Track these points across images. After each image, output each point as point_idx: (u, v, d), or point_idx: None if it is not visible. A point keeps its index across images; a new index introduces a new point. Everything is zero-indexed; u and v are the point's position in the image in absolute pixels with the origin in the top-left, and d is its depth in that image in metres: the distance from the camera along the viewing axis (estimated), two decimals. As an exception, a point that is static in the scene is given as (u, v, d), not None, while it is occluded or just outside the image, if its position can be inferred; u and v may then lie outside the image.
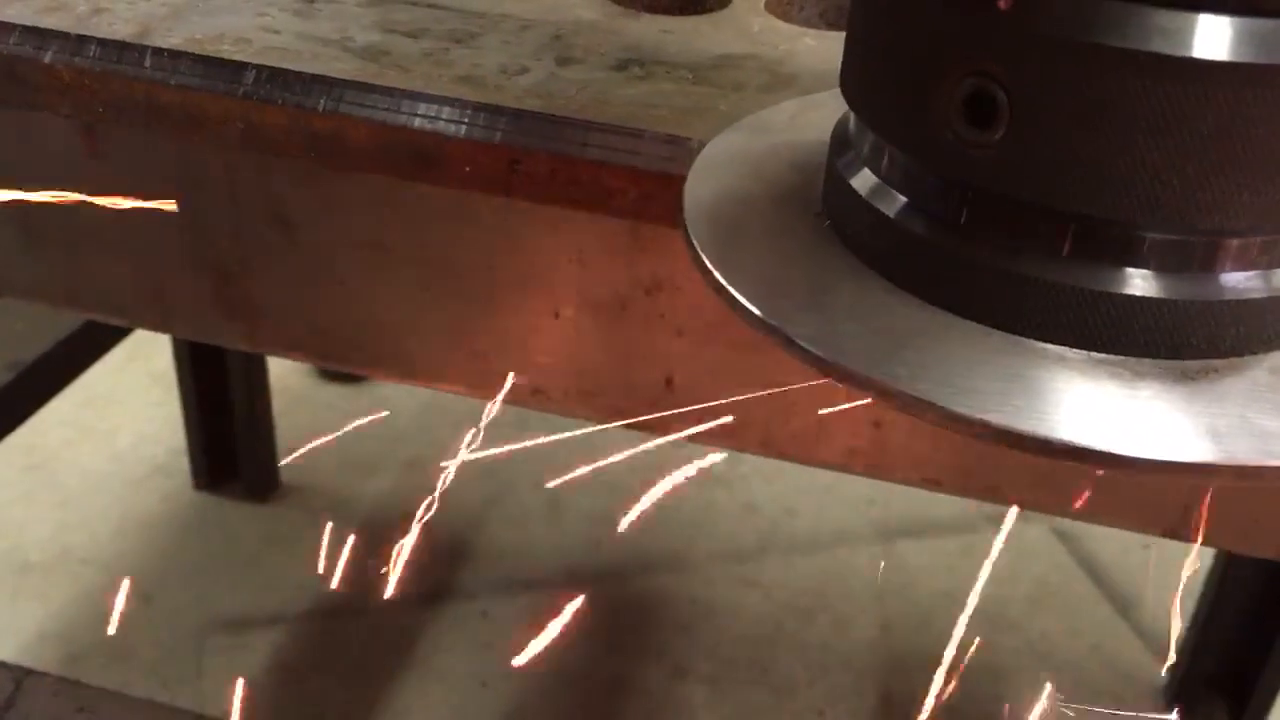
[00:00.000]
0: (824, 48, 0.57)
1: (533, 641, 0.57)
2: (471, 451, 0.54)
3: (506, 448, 0.55)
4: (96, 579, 1.59)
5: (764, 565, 1.69)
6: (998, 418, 0.33)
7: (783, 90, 0.53)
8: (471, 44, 0.56)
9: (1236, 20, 0.30)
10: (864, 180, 0.38)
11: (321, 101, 0.52)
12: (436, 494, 0.54)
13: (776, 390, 0.61)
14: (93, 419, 1.85)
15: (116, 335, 1.56)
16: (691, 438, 0.67)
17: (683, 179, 0.48)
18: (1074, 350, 0.35)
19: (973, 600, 0.51)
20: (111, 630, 1.05)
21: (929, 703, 0.54)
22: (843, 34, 0.39)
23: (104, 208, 0.68)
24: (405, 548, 0.57)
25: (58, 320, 1.40)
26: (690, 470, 0.51)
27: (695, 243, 0.40)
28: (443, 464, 0.54)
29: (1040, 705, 0.65)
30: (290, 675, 1.50)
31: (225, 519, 1.70)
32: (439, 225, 0.63)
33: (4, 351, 1.37)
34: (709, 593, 1.64)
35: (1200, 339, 0.35)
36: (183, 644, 1.51)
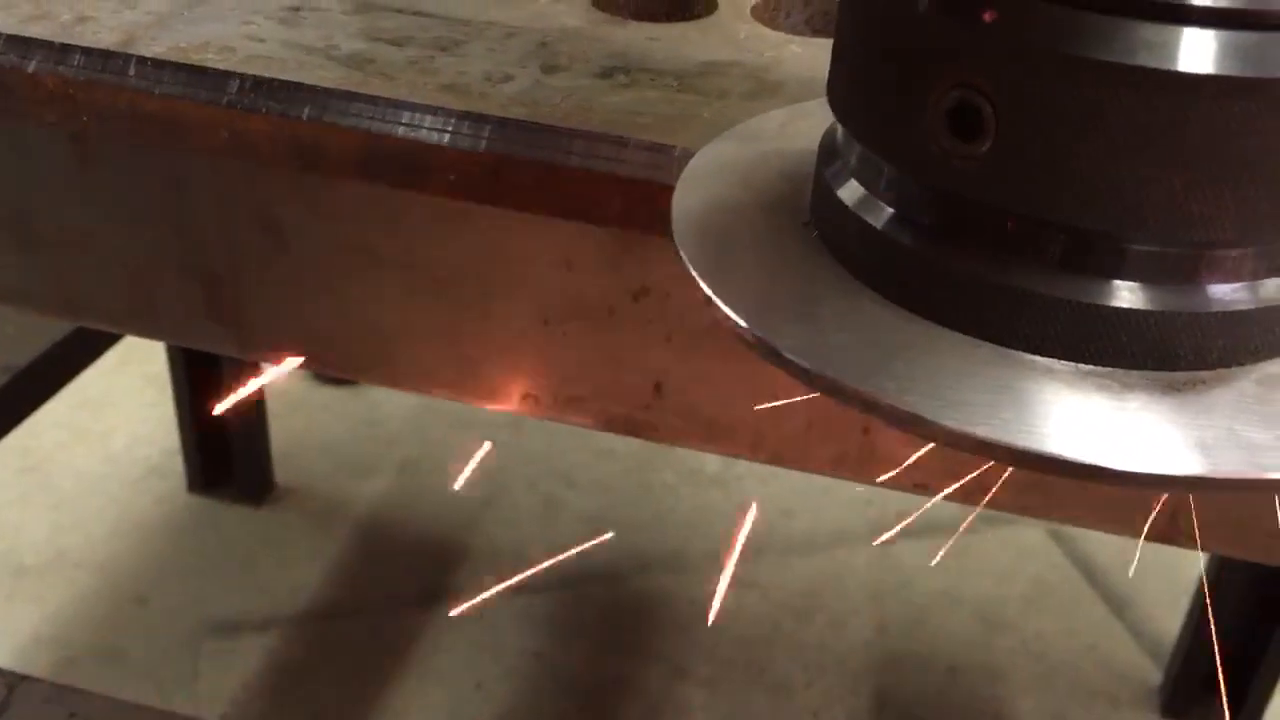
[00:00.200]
0: (809, 55, 0.57)
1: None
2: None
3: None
4: (91, 582, 1.59)
5: (761, 566, 1.69)
6: (986, 431, 0.33)
7: (767, 98, 0.53)
8: (456, 52, 0.56)
9: (1221, 33, 0.30)
10: (851, 191, 0.38)
11: (305, 110, 0.52)
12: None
13: (765, 396, 0.61)
14: (87, 422, 1.85)
15: (111, 338, 1.56)
16: (681, 443, 0.67)
17: (667, 187, 0.48)
18: (1062, 362, 0.35)
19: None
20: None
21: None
22: (829, 41, 0.39)
23: (93, 214, 0.68)
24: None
25: (51, 323, 1.40)
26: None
27: (683, 254, 0.40)
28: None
29: None
30: (286, 677, 1.50)
31: (220, 522, 1.70)
32: (428, 231, 0.63)
33: (-2, 355, 1.37)
34: (705, 593, 1.64)
35: (1188, 351, 0.35)
36: (178, 647, 1.51)
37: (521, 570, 1.62)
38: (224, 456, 1.70)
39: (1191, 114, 0.31)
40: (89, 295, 0.72)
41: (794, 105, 0.49)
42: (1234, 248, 0.34)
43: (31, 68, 0.55)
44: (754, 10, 0.62)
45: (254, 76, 0.53)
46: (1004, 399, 0.34)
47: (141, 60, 0.54)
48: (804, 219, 0.41)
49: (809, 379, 0.35)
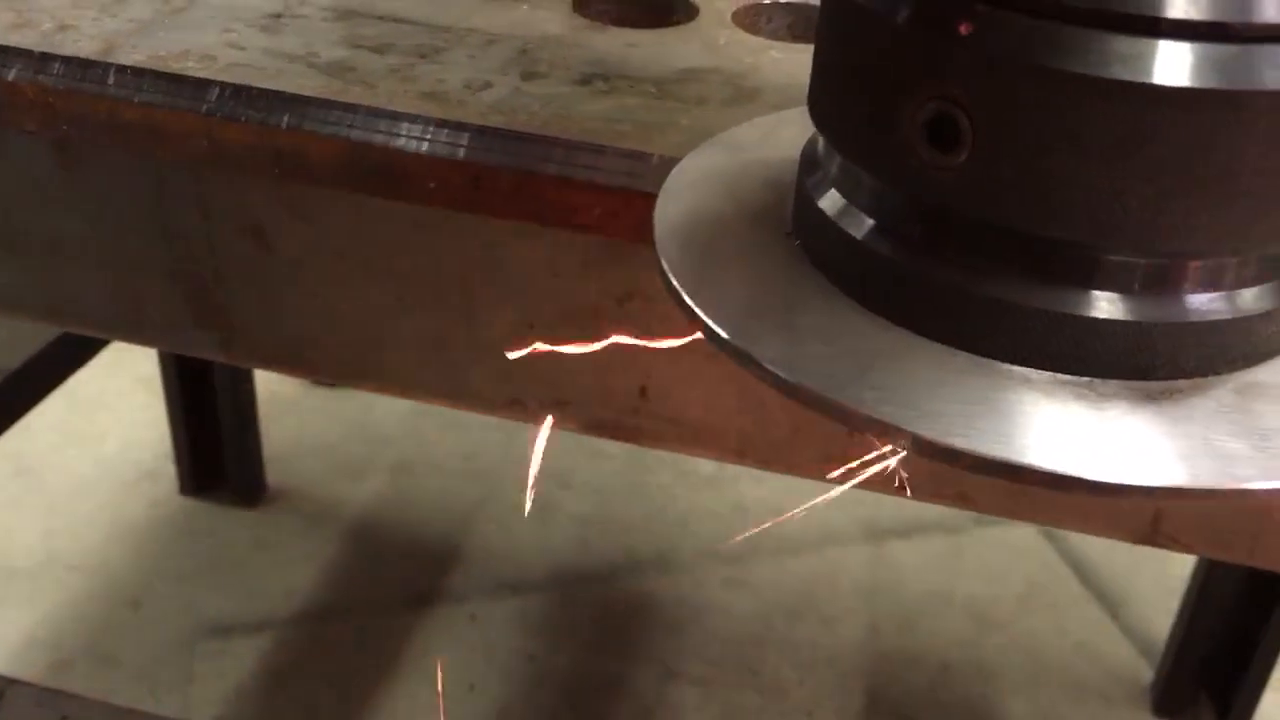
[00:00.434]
0: (790, 61, 0.57)
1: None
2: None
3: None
4: (84, 585, 1.59)
5: (752, 566, 1.69)
6: (963, 442, 0.33)
7: (746, 104, 0.53)
8: (437, 59, 0.56)
9: (1197, 46, 0.30)
10: (832, 201, 0.38)
11: (285, 118, 0.52)
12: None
13: (750, 400, 0.61)
14: (79, 424, 1.85)
15: (102, 341, 1.56)
16: (667, 447, 0.67)
17: (645, 194, 0.48)
18: (1039, 371, 0.35)
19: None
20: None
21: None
22: (809, 47, 0.39)
23: (78, 220, 0.68)
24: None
25: (42, 327, 1.40)
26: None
27: (664, 263, 0.40)
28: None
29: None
30: (279, 680, 1.50)
31: (213, 524, 1.70)
32: (413, 237, 0.63)
33: (-12, 358, 1.37)
34: (698, 593, 1.64)
35: (1165, 360, 0.35)
36: (171, 650, 1.51)
37: (515, 572, 1.62)
38: (216, 459, 1.70)
39: (1166, 126, 0.31)
40: (74, 301, 0.72)
41: (778, 113, 0.49)
42: (1210, 258, 0.34)
43: (11, 76, 0.55)
44: (735, 16, 0.62)
45: (233, 84, 0.53)
46: (981, 409, 0.34)
47: (121, 69, 0.54)
48: (787, 229, 0.41)
49: (787, 389, 0.35)
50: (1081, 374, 0.35)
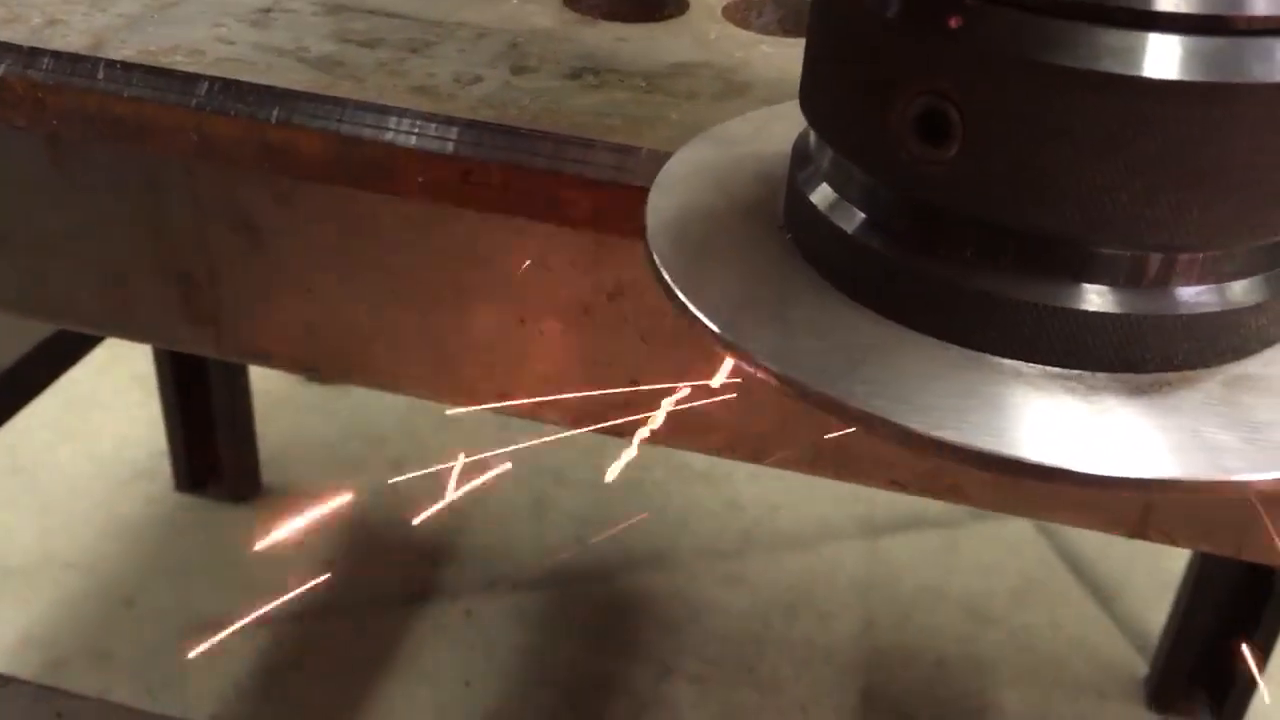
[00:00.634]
0: (780, 55, 0.57)
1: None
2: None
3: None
4: (79, 583, 1.59)
5: (748, 562, 1.69)
6: (953, 435, 0.33)
7: (736, 98, 0.53)
8: (427, 53, 0.56)
9: (1186, 39, 0.30)
10: (823, 195, 0.39)
11: (274, 112, 0.52)
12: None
13: (742, 393, 0.61)
14: (74, 422, 1.85)
15: (96, 338, 1.56)
16: (657, 440, 0.67)
17: (635, 188, 0.48)
18: (1029, 365, 0.35)
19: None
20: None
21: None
22: (799, 41, 0.39)
23: (69, 216, 0.68)
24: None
25: (35, 324, 1.40)
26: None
27: (656, 257, 0.40)
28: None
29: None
30: (274, 677, 1.50)
31: (208, 521, 1.70)
32: (405, 232, 0.63)
33: (-18, 356, 1.36)
34: (694, 590, 1.64)
35: (1154, 353, 0.35)
36: (166, 647, 1.51)
37: (511, 568, 1.62)
38: (211, 457, 1.70)
39: (1156, 119, 0.31)
40: (65, 297, 0.72)
41: (770, 107, 0.49)
42: (1200, 251, 0.34)
43: (0, 71, 0.55)
44: (725, 10, 0.62)
45: (222, 79, 0.53)
46: (971, 402, 0.34)
47: (110, 63, 0.54)
48: (779, 223, 0.41)
49: (778, 383, 0.35)
50: (1072, 367, 0.35)
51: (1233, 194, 0.32)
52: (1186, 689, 1.50)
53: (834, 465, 0.66)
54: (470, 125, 0.50)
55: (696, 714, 1.48)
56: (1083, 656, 1.58)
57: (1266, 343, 0.37)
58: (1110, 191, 0.32)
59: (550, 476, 1.79)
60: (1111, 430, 0.33)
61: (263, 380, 1.82)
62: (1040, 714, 1.51)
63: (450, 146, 0.50)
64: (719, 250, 0.41)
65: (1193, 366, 0.36)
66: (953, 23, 0.32)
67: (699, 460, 1.80)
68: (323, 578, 1.55)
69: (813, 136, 0.40)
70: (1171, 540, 0.60)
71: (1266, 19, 0.30)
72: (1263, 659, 1.41)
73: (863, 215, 0.37)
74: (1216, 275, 0.35)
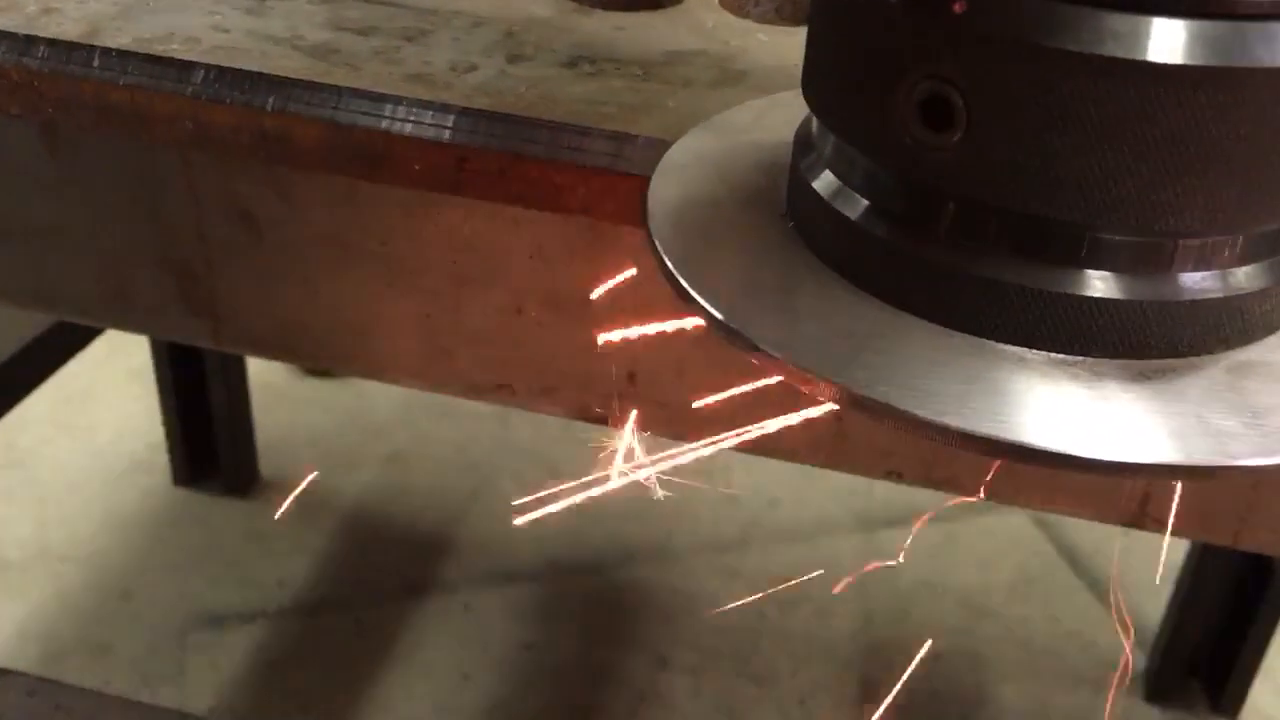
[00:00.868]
0: (776, 43, 0.57)
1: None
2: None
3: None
4: (76, 576, 1.59)
5: (746, 555, 1.69)
6: (956, 421, 0.33)
7: (732, 87, 0.53)
8: (422, 41, 0.56)
9: (1189, 23, 0.30)
10: (826, 183, 0.38)
11: (270, 100, 0.52)
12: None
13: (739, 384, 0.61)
14: (72, 415, 1.84)
15: (94, 330, 1.55)
16: (655, 431, 0.67)
17: (631, 176, 0.48)
18: (1033, 351, 0.35)
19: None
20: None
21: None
22: (796, 29, 0.39)
23: (66, 206, 0.68)
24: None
25: (33, 316, 1.40)
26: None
27: (659, 245, 0.40)
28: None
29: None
30: (272, 670, 1.50)
31: (205, 515, 1.69)
32: (401, 222, 0.63)
33: (-22, 348, 1.36)
34: (691, 583, 1.64)
35: (1158, 339, 0.35)
36: (164, 640, 1.51)
37: (509, 561, 1.62)
38: (209, 450, 1.70)
39: (1159, 103, 0.31)
40: (62, 287, 0.72)
41: (771, 96, 0.49)
42: (1203, 237, 0.34)
43: (-5, 59, 0.55)
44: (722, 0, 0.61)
45: (218, 67, 0.53)
46: (976, 389, 0.34)
47: (105, 51, 0.54)
48: (780, 211, 0.41)
49: (781, 369, 0.35)
50: (1076, 353, 0.35)
51: (1236, 178, 0.32)
52: (1184, 682, 1.51)
53: (831, 455, 0.66)
54: (466, 113, 0.50)
55: (694, 706, 1.49)
56: (1080, 650, 1.58)
57: (1270, 329, 0.37)
58: (1114, 176, 0.32)
59: (547, 470, 1.79)
60: (1115, 416, 0.33)
61: (260, 373, 1.82)
62: (1038, 706, 1.51)
63: (446, 134, 0.50)
64: (721, 237, 0.41)
65: (1196, 352, 0.36)
66: (956, 7, 0.32)
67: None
68: (320, 571, 1.55)
69: (815, 124, 0.40)
70: (1169, 530, 0.60)
71: (1271, 3, 0.30)
72: (1259, 651, 1.42)
73: (866, 202, 0.37)
74: (1220, 261, 0.35)
